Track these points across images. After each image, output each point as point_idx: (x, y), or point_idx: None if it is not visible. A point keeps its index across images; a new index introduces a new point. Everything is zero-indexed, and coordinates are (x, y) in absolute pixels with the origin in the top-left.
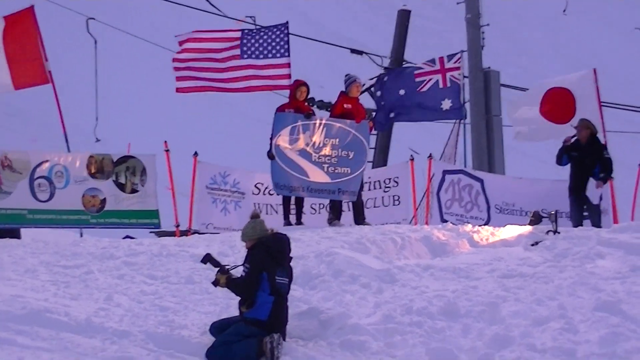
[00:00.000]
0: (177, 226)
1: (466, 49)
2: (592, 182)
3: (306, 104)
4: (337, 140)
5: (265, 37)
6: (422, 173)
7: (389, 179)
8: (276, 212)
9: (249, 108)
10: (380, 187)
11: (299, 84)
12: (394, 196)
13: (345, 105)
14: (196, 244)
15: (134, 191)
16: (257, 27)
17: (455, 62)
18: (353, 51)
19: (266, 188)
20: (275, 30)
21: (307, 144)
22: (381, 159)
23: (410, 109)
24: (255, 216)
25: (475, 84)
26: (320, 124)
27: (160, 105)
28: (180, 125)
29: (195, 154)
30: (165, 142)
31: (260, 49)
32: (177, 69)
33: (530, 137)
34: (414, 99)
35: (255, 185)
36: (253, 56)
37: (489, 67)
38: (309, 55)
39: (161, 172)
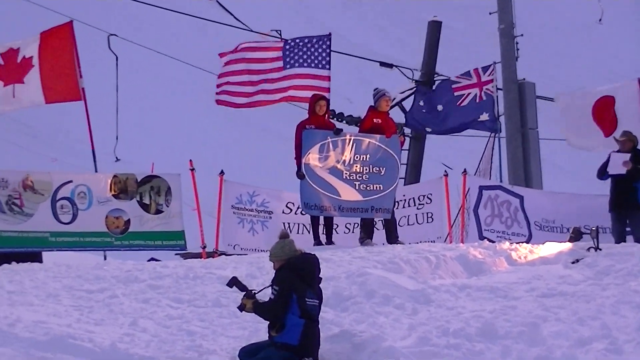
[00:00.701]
0: (204, 247)
1: (498, 60)
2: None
3: (332, 119)
4: (368, 156)
5: (308, 45)
6: (456, 189)
7: (423, 195)
8: (308, 232)
9: (270, 123)
10: (413, 205)
11: (318, 97)
12: (427, 213)
13: (374, 120)
14: (223, 266)
15: (158, 212)
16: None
17: (489, 75)
18: (382, 64)
19: (297, 207)
20: (318, 40)
21: (338, 161)
22: (413, 176)
23: (447, 121)
24: (284, 236)
25: (510, 96)
26: (349, 139)
27: (184, 122)
28: (204, 142)
29: (222, 172)
30: (191, 160)
31: (304, 57)
32: (220, 78)
33: (585, 146)
34: (453, 113)
35: (286, 205)
36: (296, 65)
37: (524, 79)
38: (336, 69)
39: (186, 191)
